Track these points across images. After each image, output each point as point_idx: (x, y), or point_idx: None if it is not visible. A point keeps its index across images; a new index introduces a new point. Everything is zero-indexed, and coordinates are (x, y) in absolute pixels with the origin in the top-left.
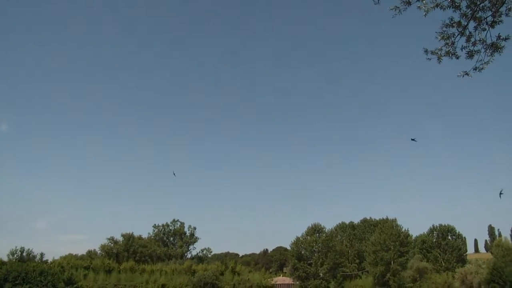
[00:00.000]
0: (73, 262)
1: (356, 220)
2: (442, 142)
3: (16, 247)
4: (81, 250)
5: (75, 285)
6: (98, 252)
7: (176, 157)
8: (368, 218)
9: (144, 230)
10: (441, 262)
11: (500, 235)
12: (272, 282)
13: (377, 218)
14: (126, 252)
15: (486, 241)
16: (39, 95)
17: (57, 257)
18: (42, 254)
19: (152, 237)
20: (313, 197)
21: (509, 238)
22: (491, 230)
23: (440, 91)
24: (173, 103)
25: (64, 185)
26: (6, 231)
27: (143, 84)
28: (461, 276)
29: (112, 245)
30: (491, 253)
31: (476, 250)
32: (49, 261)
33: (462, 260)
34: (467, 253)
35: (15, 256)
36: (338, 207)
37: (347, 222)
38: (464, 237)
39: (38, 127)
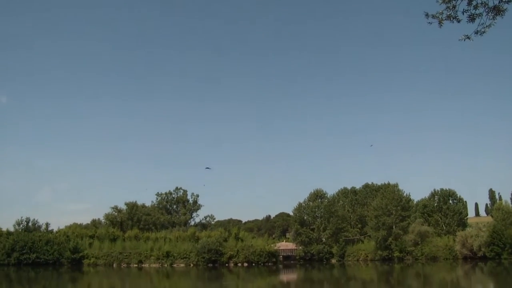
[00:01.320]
0: (78, 231)
1: (358, 186)
2: (443, 103)
3: (21, 217)
4: (85, 220)
5: (80, 254)
6: (102, 221)
7: (178, 115)
8: (370, 183)
9: (147, 198)
10: (442, 226)
11: (500, 198)
12: (275, 248)
13: (379, 183)
14: (130, 220)
15: (486, 204)
16: (35, 62)
17: (62, 227)
18: (47, 224)
19: (156, 205)
20: (315, 162)
21: (509, 201)
22: (491, 194)
23: (445, 48)
24: (173, 61)
25: (67, 154)
26: (10, 202)
27: (142, 41)
28: (461, 239)
29: (116, 213)
30: (492, 216)
31: (477, 213)
32: (54, 231)
33: (463, 223)
34: (467, 216)
35: (21, 226)
36: (340, 173)
37: (349, 187)
38: (465, 201)
39: (38, 95)
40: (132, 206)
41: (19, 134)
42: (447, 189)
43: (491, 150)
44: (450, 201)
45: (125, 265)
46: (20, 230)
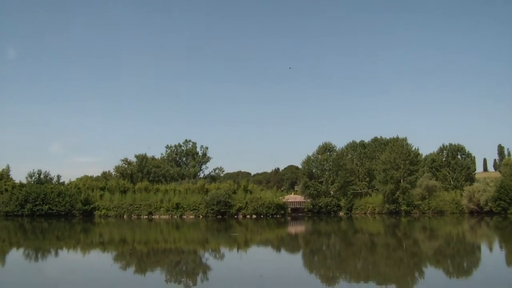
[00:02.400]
0: (89, 183)
1: (367, 139)
2: (452, 58)
3: (33, 169)
4: (96, 172)
5: (92, 205)
6: (113, 173)
7: (184, 74)
8: (379, 137)
9: (157, 151)
10: (450, 181)
11: (509, 154)
12: (284, 200)
13: (388, 137)
14: (140, 172)
15: (495, 160)
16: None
17: (73, 179)
18: (59, 176)
19: (165, 158)
20: (324, 115)
21: None
22: (500, 149)
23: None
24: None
25: (77, 108)
26: (22, 155)
27: None
28: (468, 194)
29: (126, 166)
30: (500, 172)
31: (485, 169)
32: (65, 183)
33: (470, 178)
34: (475, 172)
35: (33, 178)
36: (349, 126)
37: (357, 141)
38: (474, 156)
39: (47, 50)
40: (142, 159)
41: (31, 90)
42: (456, 144)
43: (501, 105)
44: (459, 156)
45: (135, 216)
46: (32, 182)
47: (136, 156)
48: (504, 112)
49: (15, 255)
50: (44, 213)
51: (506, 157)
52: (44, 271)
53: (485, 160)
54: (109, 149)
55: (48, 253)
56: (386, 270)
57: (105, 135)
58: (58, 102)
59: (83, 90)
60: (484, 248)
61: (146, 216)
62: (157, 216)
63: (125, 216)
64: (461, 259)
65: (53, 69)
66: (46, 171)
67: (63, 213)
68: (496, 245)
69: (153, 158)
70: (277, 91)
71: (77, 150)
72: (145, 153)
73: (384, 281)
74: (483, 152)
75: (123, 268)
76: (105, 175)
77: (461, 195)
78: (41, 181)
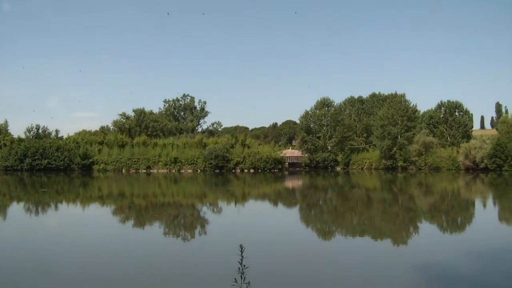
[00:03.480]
0: (87, 138)
1: (365, 95)
2: (451, 16)
3: (31, 124)
4: (94, 127)
5: (90, 160)
6: (111, 127)
7: (183, 28)
8: (377, 93)
9: (154, 105)
10: (447, 137)
11: (507, 112)
12: (281, 155)
13: (386, 93)
14: (138, 127)
15: (492, 117)
16: None
17: (71, 134)
18: (57, 131)
19: (163, 112)
20: (323, 71)
21: None
22: (498, 107)
23: None
24: None
25: (75, 61)
26: (19, 110)
27: None
28: (465, 151)
29: (124, 120)
30: (496, 129)
31: (482, 126)
32: (64, 138)
33: (467, 136)
34: (473, 129)
35: (31, 133)
36: (348, 82)
37: (356, 96)
38: (471, 114)
39: (42, 2)
40: (140, 113)
41: (28, 44)
42: (454, 101)
43: (500, 63)
44: (456, 113)
45: (133, 170)
46: (30, 137)
47: (134, 111)
48: (503, 70)
49: (16, 209)
50: (43, 167)
51: (504, 114)
52: (45, 225)
53: (482, 118)
54: (107, 104)
55: (48, 207)
56: (381, 225)
57: (104, 90)
58: (56, 57)
59: (80, 44)
60: (478, 204)
61: (145, 170)
62: (155, 170)
63: (123, 170)
64: (455, 214)
65: (50, 22)
66: (44, 126)
67: (62, 167)
68: (489, 202)
69: (151, 113)
70: (276, 45)
71: (75, 104)
72: (143, 108)
73: (379, 236)
74: (481, 110)
75: (122, 221)
76: (103, 130)
77: (458, 152)
78: (40, 135)
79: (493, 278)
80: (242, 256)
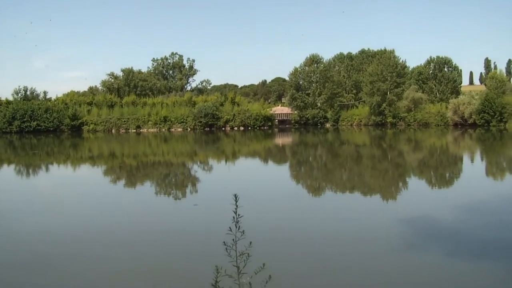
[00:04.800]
0: (76, 98)
1: (354, 51)
2: None
3: (19, 86)
4: (82, 87)
5: (80, 121)
6: (100, 88)
7: None
8: (366, 49)
9: (143, 64)
10: (436, 93)
11: (495, 68)
12: (271, 112)
13: (375, 49)
14: (127, 86)
15: (481, 73)
16: None
17: (59, 95)
18: (45, 92)
19: (152, 71)
20: (312, 27)
21: (504, 70)
22: (487, 63)
23: None
24: None
25: (61, 22)
26: (5, 71)
27: None
28: (454, 107)
29: (112, 80)
30: (485, 85)
31: (471, 82)
32: (52, 99)
33: (456, 91)
34: (462, 85)
35: (19, 95)
36: (337, 38)
37: (345, 53)
38: (460, 69)
39: None
40: (128, 72)
41: (12, 3)
42: (443, 56)
43: (489, 19)
44: (445, 69)
45: (123, 130)
46: (18, 99)
47: (123, 70)
48: (492, 26)
49: (6, 171)
50: (32, 129)
51: (492, 70)
52: (36, 187)
53: (471, 73)
54: (95, 64)
55: (39, 168)
56: (371, 181)
57: (91, 50)
58: (41, 15)
59: (67, 2)
60: (466, 159)
61: (134, 130)
62: (145, 129)
63: (113, 131)
64: (444, 170)
65: None
66: (32, 88)
67: (51, 129)
68: (477, 157)
69: (139, 72)
70: (265, 3)
71: (62, 64)
72: (131, 67)
73: (369, 191)
74: (470, 65)
75: (113, 181)
76: (92, 90)
77: (447, 107)
78: (28, 97)
79: (478, 229)
80: (237, 206)
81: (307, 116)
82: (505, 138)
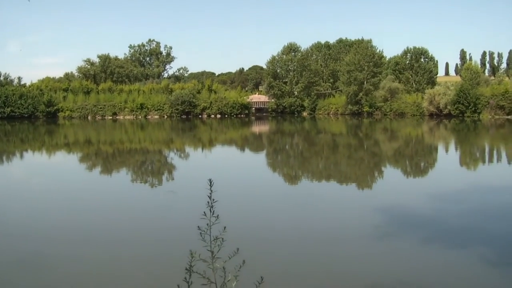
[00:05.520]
0: (51, 84)
1: (332, 40)
2: None
3: None
4: (58, 73)
5: (55, 107)
6: (75, 74)
7: None
8: (344, 38)
9: (120, 51)
10: (412, 84)
11: (471, 59)
12: (248, 100)
13: (353, 39)
14: (103, 73)
15: (457, 64)
16: None
17: (34, 81)
18: (19, 78)
19: (129, 58)
20: (290, 15)
21: (478, 62)
22: (462, 54)
23: None
24: None
25: (37, 6)
26: None
27: None
28: (429, 97)
29: (88, 66)
30: (460, 76)
31: (447, 73)
32: (27, 85)
33: (432, 82)
34: (437, 75)
35: None
36: (315, 27)
37: (322, 42)
38: (436, 60)
39: None
40: (104, 59)
41: None
42: (420, 47)
43: (465, 10)
44: (422, 60)
45: (99, 117)
46: None
47: (99, 57)
48: (468, 18)
49: None
50: (6, 116)
51: (468, 61)
52: (9, 173)
53: (447, 64)
54: (70, 50)
55: (13, 155)
56: (347, 170)
57: (66, 35)
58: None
59: None
60: (440, 149)
61: (111, 117)
62: (122, 116)
63: (89, 117)
64: (419, 159)
65: None
66: (6, 73)
67: (26, 115)
68: (452, 147)
69: (116, 58)
70: None
71: (37, 50)
72: (108, 53)
73: (344, 180)
74: (445, 57)
75: (89, 169)
76: (68, 76)
77: (422, 98)
78: (1, 83)
79: (452, 218)
80: (211, 191)
81: (284, 105)
82: (478, 129)
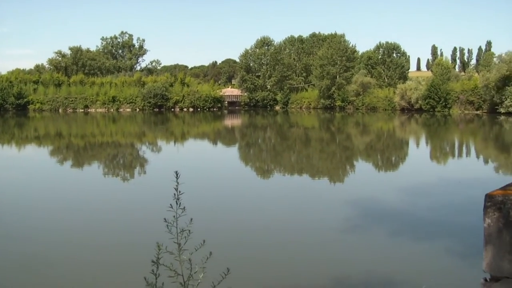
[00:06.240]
0: (21, 76)
1: (305, 34)
2: None
3: None
4: (28, 65)
5: (25, 99)
6: (46, 66)
7: None
8: (317, 32)
9: (92, 43)
10: (384, 78)
11: (442, 54)
12: (221, 94)
13: (326, 33)
14: (75, 65)
15: (428, 60)
16: None
17: (4, 72)
18: None
19: (101, 50)
20: (263, 9)
21: (449, 58)
22: (434, 49)
23: None
24: None
25: None
26: None
27: None
28: (401, 92)
29: (60, 58)
30: (431, 71)
31: (418, 68)
32: None
33: (404, 77)
34: (409, 70)
35: None
36: (288, 21)
37: (296, 36)
38: (408, 55)
39: None
40: (76, 51)
41: None
42: (392, 42)
43: (436, 7)
44: (394, 55)
45: (71, 110)
46: None
47: (71, 49)
48: (439, 14)
49: None
50: None
51: (439, 57)
52: None
53: (418, 60)
54: (41, 42)
55: None
56: (319, 163)
57: (37, 26)
58: None
59: None
60: (411, 143)
61: (82, 110)
62: (93, 109)
63: (60, 110)
64: (390, 153)
65: None
66: None
67: None
68: (422, 141)
69: (88, 51)
70: None
71: (6, 41)
72: (80, 45)
73: (316, 174)
74: (417, 52)
75: (60, 162)
76: (38, 68)
77: (394, 92)
78: None
79: (421, 211)
80: (178, 183)
81: (257, 98)
82: (449, 124)
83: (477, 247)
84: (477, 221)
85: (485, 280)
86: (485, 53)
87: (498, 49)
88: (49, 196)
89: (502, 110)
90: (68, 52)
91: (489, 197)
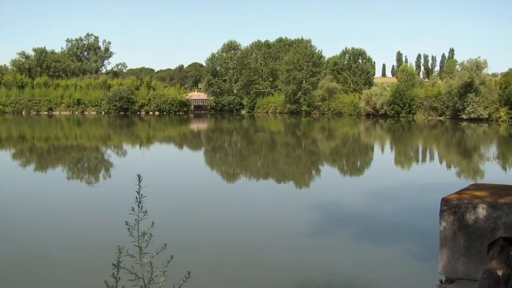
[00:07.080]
0: None
1: (272, 39)
2: None
3: None
4: None
5: None
6: (9, 67)
7: None
8: (284, 37)
9: (56, 44)
10: (350, 84)
11: (406, 61)
12: (187, 97)
13: (293, 38)
14: (39, 67)
15: (393, 66)
16: None
17: None
18: None
19: (66, 52)
20: (230, 14)
21: (413, 64)
22: (399, 56)
23: None
24: None
25: None
26: None
27: None
28: (366, 97)
29: (23, 60)
30: (396, 77)
31: (384, 74)
32: None
33: (369, 82)
34: (375, 76)
35: None
36: (254, 26)
37: (262, 40)
38: (374, 61)
39: None
40: (40, 52)
41: None
42: (358, 48)
43: (401, 14)
44: (360, 60)
45: (34, 112)
46: None
47: (34, 50)
48: (404, 21)
49: None
50: None
51: (404, 63)
52: None
53: (384, 66)
54: (3, 42)
55: None
56: (285, 168)
57: None
58: None
59: None
60: (376, 148)
61: (46, 112)
62: (58, 112)
63: (23, 113)
64: (355, 158)
65: None
66: None
67: None
68: (387, 146)
69: (52, 52)
70: None
71: None
72: (44, 47)
73: (282, 178)
74: (383, 58)
75: (22, 166)
76: (0, 70)
77: (360, 98)
78: None
79: (385, 215)
80: (140, 186)
81: (223, 103)
82: (412, 129)
83: (437, 250)
84: (437, 225)
85: (441, 282)
86: (448, 60)
87: (460, 57)
88: (10, 199)
89: (464, 116)
90: (32, 53)
91: (445, 201)
